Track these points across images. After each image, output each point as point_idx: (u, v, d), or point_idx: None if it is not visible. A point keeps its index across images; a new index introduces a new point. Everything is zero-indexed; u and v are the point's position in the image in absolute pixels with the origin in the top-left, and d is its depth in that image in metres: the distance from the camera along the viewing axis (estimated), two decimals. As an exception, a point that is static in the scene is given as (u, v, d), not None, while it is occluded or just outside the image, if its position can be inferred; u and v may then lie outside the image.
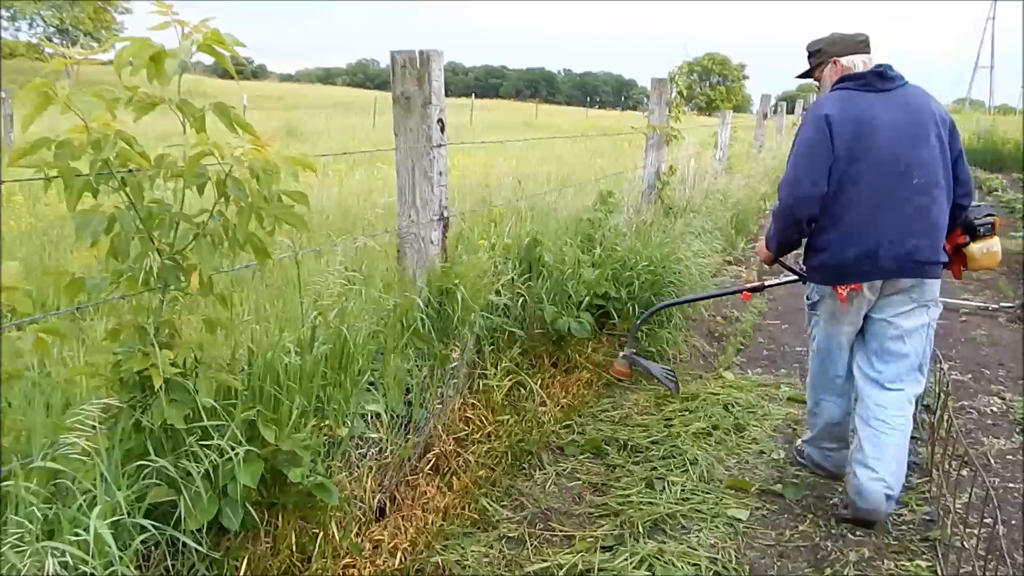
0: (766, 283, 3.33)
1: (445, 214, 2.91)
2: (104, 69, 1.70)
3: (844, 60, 2.66)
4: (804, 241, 2.67)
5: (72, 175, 1.53)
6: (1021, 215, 10.16)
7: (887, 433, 2.53)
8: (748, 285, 3.31)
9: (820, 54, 2.74)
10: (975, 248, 2.69)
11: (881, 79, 2.55)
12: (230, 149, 1.62)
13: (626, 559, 2.30)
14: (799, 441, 3.08)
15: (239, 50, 1.64)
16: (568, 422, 3.37)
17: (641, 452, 3.07)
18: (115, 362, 1.71)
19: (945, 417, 2.73)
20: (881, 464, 2.49)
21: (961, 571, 2.26)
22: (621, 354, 3.47)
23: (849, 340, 2.67)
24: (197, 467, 1.71)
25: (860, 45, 2.67)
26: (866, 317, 2.60)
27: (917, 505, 2.73)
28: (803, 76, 2.91)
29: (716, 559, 2.34)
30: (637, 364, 3.43)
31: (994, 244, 2.70)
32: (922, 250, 2.48)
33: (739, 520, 2.58)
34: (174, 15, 1.57)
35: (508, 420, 3.06)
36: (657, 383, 3.31)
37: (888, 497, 2.50)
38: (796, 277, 3.03)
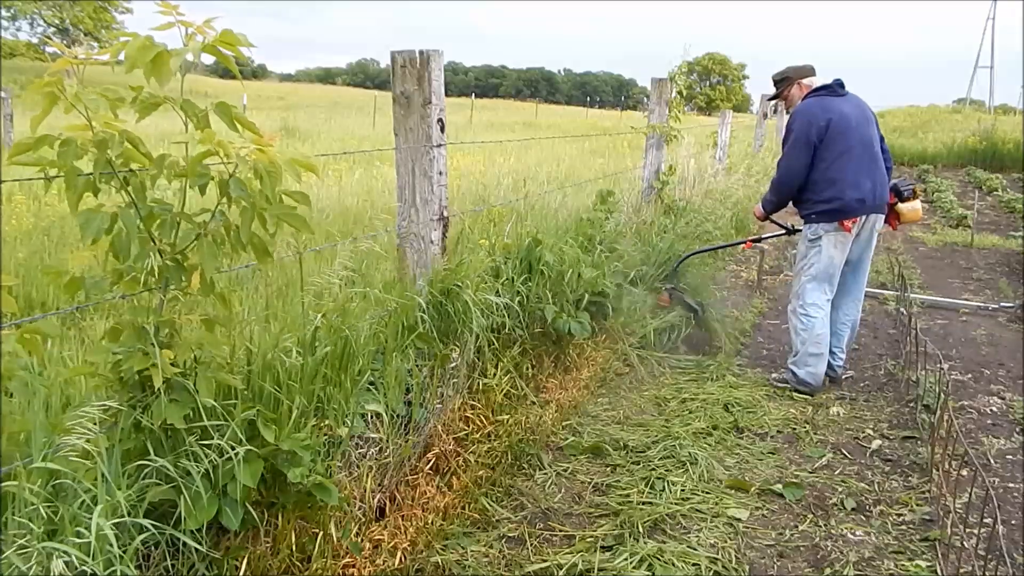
0: (763, 236, 4.76)
1: (445, 214, 2.91)
2: (104, 69, 1.70)
3: (805, 81, 3.90)
4: (803, 200, 3.79)
5: (75, 174, 1.52)
6: (1021, 215, 10.16)
7: (851, 330, 3.89)
8: (750, 237, 4.83)
9: (787, 80, 3.94)
10: (904, 207, 3.91)
11: (840, 87, 3.80)
12: (235, 149, 1.62)
13: (626, 559, 2.29)
14: (777, 373, 4.02)
15: (243, 49, 1.63)
16: (568, 422, 3.37)
17: (641, 452, 3.07)
18: (115, 362, 1.71)
19: (945, 417, 2.73)
20: (840, 354, 3.85)
21: (961, 571, 2.26)
22: (664, 288, 4.57)
23: (843, 262, 3.75)
24: (197, 467, 1.71)
25: (811, 70, 3.94)
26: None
27: (917, 505, 2.73)
28: (774, 98, 4.15)
29: (716, 559, 2.34)
30: (675, 295, 4.52)
31: (916, 204, 3.93)
32: (887, 194, 3.78)
33: (739, 520, 2.58)
34: (179, 16, 1.56)
35: (508, 420, 3.06)
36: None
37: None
38: (784, 231, 4.36)
